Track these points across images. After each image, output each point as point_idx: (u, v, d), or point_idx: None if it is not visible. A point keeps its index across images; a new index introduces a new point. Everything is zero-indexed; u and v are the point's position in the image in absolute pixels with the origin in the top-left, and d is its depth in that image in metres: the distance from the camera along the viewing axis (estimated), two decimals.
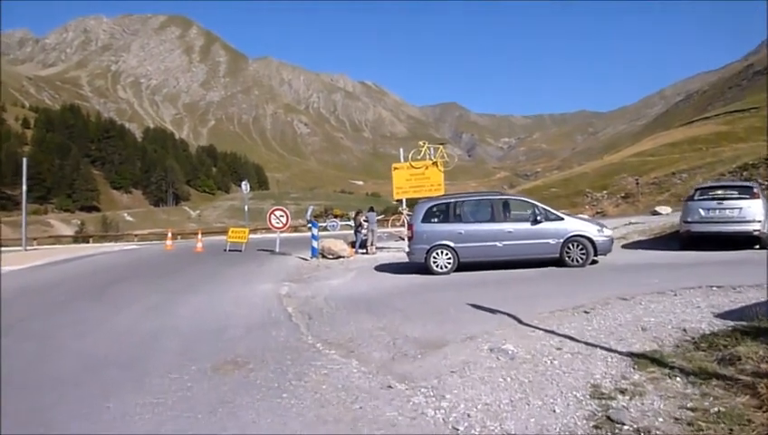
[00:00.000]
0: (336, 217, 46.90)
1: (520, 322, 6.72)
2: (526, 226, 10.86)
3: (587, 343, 5.75)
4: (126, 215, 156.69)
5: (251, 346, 6.19)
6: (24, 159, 20.58)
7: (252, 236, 22.45)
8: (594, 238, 10.81)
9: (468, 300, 8.10)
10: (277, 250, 19.24)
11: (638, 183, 42.82)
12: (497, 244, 10.78)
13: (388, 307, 8.18)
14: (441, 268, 10.97)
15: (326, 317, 7.77)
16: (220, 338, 6.58)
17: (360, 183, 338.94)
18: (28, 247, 24.54)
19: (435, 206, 11.48)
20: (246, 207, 30.12)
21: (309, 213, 31.13)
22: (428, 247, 10.96)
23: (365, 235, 18.97)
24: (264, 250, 20.71)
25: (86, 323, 7.39)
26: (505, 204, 11.26)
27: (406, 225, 18.67)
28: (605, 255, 11.17)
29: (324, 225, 39.46)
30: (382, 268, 13.33)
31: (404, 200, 18.81)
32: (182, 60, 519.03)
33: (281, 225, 19.20)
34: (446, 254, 10.93)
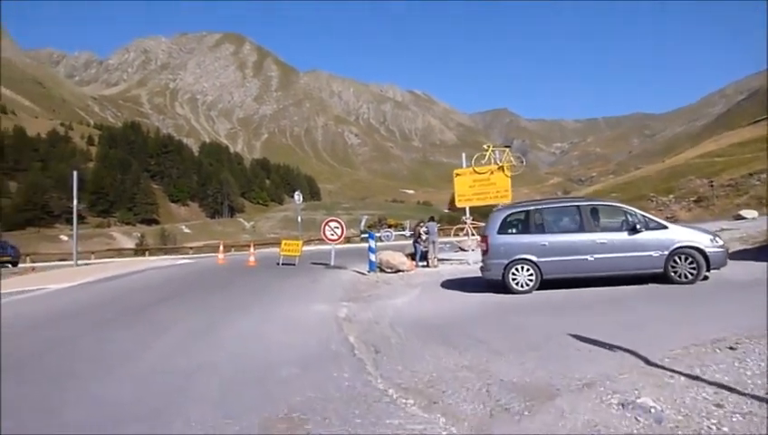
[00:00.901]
0: (390, 227, 45.77)
1: (647, 362, 5.23)
2: (622, 236, 9.25)
3: (756, 397, 4.23)
4: (183, 227, 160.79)
5: (308, 393, 4.94)
6: (75, 173, 20.29)
7: (304, 247, 21.64)
8: (706, 250, 9.08)
9: (566, 328, 6.64)
10: (332, 263, 18.16)
11: (712, 185, 39.80)
12: (588, 258, 9.22)
13: (467, 336, 6.81)
14: (521, 286, 9.49)
15: (395, 350, 6.46)
16: (269, 380, 5.36)
17: (411, 192, 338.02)
18: (81, 262, 24.44)
19: (512, 214, 10.01)
20: (300, 218, 29.41)
21: (362, 223, 30.16)
22: (506, 262, 9.50)
23: (425, 246, 17.65)
24: (317, 264, 19.67)
25: (111, 358, 6.31)
26: (594, 211, 9.68)
27: (469, 234, 17.25)
28: (718, 269, 9.41)
29: (378, 235, 38.44)
30: (449, 285, 11.95)
31: (467, 209, 17.40)
32: (236, 75, 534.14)
33: (335, 237, 18.11)
34: (528, 269, 9.45)
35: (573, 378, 4.95)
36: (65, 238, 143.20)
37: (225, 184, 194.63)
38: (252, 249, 20.93)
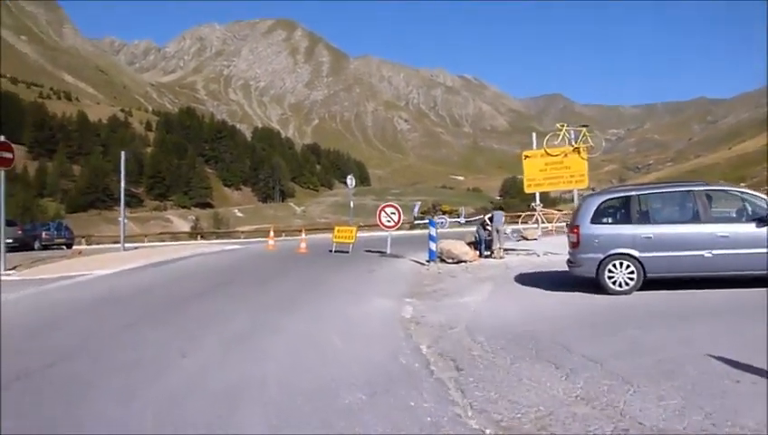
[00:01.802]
0: (444, 213, 44.22)
1: None
2: (748, 228, 7.63)
3: None
4: (236, 211, 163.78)
5: (378, 428, 3.75)
6: (122, 154, 19.76)
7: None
8: None
9: (701, 346, 5.22)
10: (388, 252, 16.99)
11: None
12: (704, 253, 7.65)
13: (570, 351, 5.46)
14: (619, 286, 8.00)
15: (481, 367, 5.18)
16: (327, 410, 4.19)
17: (461, 178, 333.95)
18: (130, 245, 24.16)
19: (609, 200, 8.47)
20: (352, 204, 28.44)
21: (416, 210, 28.90)
22: (602, 257, 8.02)
23: (488, 236, 16.24)
24: (371, 251, 18.54)
25: (138, 371, 5.24)
26: (709, 197, 8.06)
27: (539, 222, 15.73)
28: None
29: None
30: (525, 280, 10.53)
31: (537, 194, 15.88)
32: (288, 61, 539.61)
33: (392, 223, 16.91)
34: (628, 266, 7.95)
35: (737, 424, 3.57)
36: (126, 221, 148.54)
37: (276, 169, 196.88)
38: (303, 235, 20.00)
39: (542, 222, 15.74)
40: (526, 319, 7.08)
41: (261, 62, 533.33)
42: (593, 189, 9.47)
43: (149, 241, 37.96)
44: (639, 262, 7.88)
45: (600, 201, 8.37)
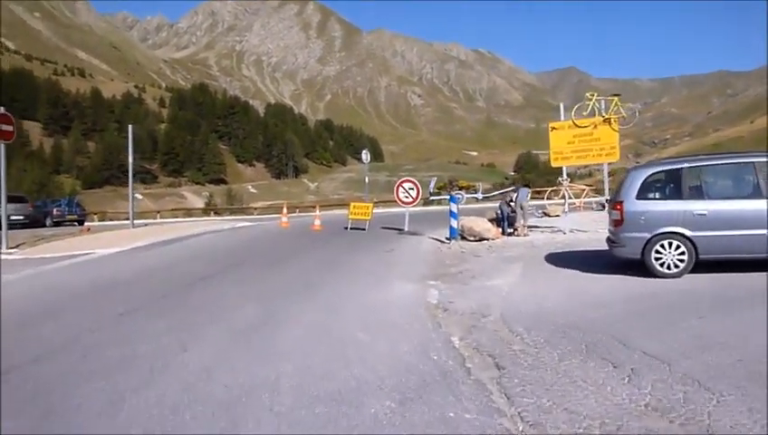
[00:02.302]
0: (461, 189, 43.28)
1: None
2: None
3: None
4: (250, 187, 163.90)
5: None
6: (130, 128, 19.08)
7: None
8: None
9: None
10: (406, 229, 16.29)
11: None
12: (766, 233, 6.84)
13: (627, 346, 4.73)
14: (668, 268, 7.23)
15: (525, 365, 4.47)
16: (350, 421, 3.52)
17: (474, 154, 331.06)
18: (140, 222, 23.62)
19: (657, 174, 7.63)
20: (367, 179, 27.67)
21: (432, 185, 28.10)
22: (649, 237, 7.23)
23: (511, 212, 15.47)
24: (388, 228, 17.86)
25: (130, 371, 4.60)
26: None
27: (566, 197, 14.89)
28: None
29: (447, 198, 36.14)
30: (556, 260, 9.78)
31: (564, 169, 15.00)
32: (300, 37, 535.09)
33: (410, 199, 16.16)
34: (678, 247, 7.16)
35: None
36: (140, 197, 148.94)
37: (289, 145, 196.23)
38: (317, 212, 19.30)
39: (569, 198, 14.87)
40: (567, 306, 6.35)
41: (273, 37, 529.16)
42: (637, 162, 8.53)
43: (162, 218, 37.57)
44: (692, 242, 7.08)
45: (647, 174, 7.53)
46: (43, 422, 3.58)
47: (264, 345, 5.07)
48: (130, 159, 18.76)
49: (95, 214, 38.63)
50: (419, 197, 16.33)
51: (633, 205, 7.35)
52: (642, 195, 7.37)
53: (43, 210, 26.58)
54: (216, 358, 4.73)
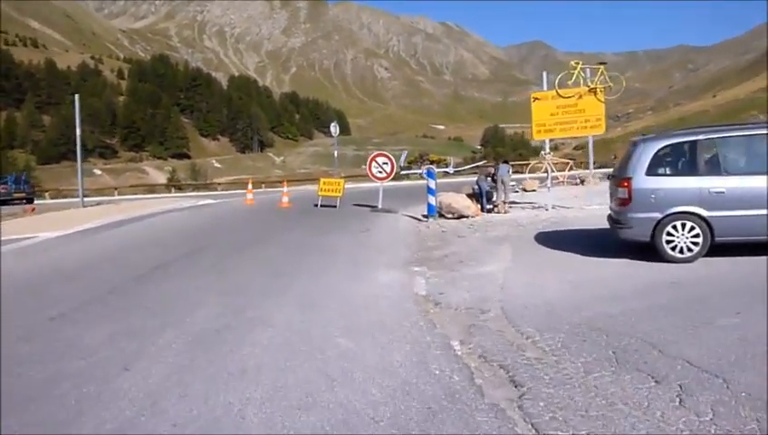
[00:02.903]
0: (432, 163, 42.33)
1: None
2: None
3: None
4: (214, 162, 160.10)
5: None
6: (76, 97, 17.43)
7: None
8: None
9: None
10: (380, 206, 15.41)
11: None
12: None
13: (663, 353, 3.96)
14: (680, 252, 6.53)
15: (547, 380, 3.67)
16: None
17: (442, 128, 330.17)
18: (93, 199, 22.04)
19: (669, 146, 6.88)
20: (336, 153, 26.54)
21: (403, 159, 27.10)
22: (660, 217, 6.50)
23: (489, 188, 14.75)
24: (360, 205, 16.95)
25: (50, 406, 3.64)
26: None
27: (548, 171, 14.19)
28: None
29: (420, 172, 35.23)
30: (547, 241, 9.05)
31: (547, 142, 14.29)
32: (264, 7, 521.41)
33: (384, 175, 15.27)
34: (692, 228, 6.46)
35: None
36: (99, 172, 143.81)
37: (254, 118, 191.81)
38: (285, 188, 18.11)
39: (552, 171, 14.19)
40: (576, 299, 5.58)
41: (235, 7, 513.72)
42: (642, 134, 7.70)
43: (120, 194, 35.69)
44: (707, 223, 6.37)
45: (659, 147, 6.73)
46: None
47: (227, 360, 4.13)
48: (78, 132, 17.21)
49: (47, 191, 36.38)
50: (393, 172, 15.43)
51: (643, 181, 6.59)
52: (652, 170, 6.61)
53: None
54: (165, 380, 3.78)
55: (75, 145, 21.15)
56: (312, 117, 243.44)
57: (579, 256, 7.57)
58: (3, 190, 25.34)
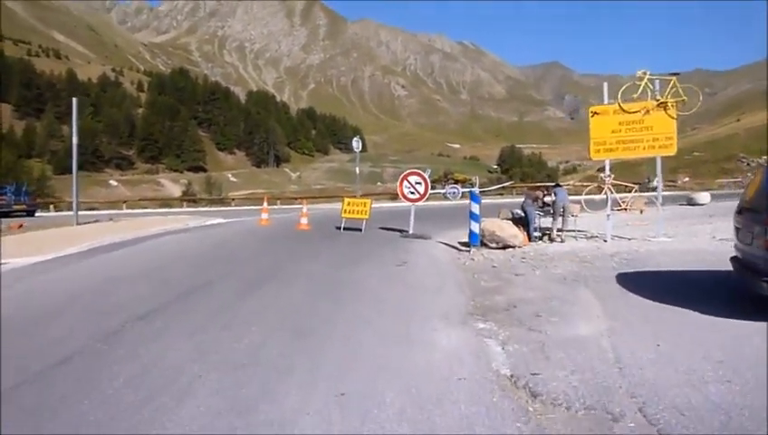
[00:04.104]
0: (456, 182, 40.60)
1: None
2: None
3: None
4: (230, 175, 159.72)
5: None
6: (74, 100, 15.85)
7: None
8: None
9: None
10: (410, 231, 13.63)
11: None
12: None
13: None
14: None
15: None
16: None
17: (457, 146, 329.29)
18: (89, 218, 20.35)
19: None
20: (358, 169, 24.88)
21: (427, 177, 25.43)
22: None
23: (542, 214, 12.98)
24: (387, 229, 15.19)
25: None
26: None
27: (608, 196, 12.33)
28: None
29: (444, 192, 33.57)
30: (635, 285, 7.15)
31: (607, 163, 12.44)
32: (284, 24, 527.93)
33: (416, 196, 13.51)
34: None
35: None
36: (114, 183, 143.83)
37: (271, 133, 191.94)
38: (304, 208, 16.25)
39: (612, 194, 12.31)
40: (747, 393, 3.72)
41: (256, 23, 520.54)
42: None
43: (128, 208, 34.18)
44: None
45: None
46: None
47: None
48: (74, 140, 15.68)
49: (52, 203, 34.75)
50: (428, 193, 13.63)
51: None
52: None
53: None
54: None
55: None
56: (329, 133, 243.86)
57: (699, 314, 5.69)
58: (2, 202, 23.74)
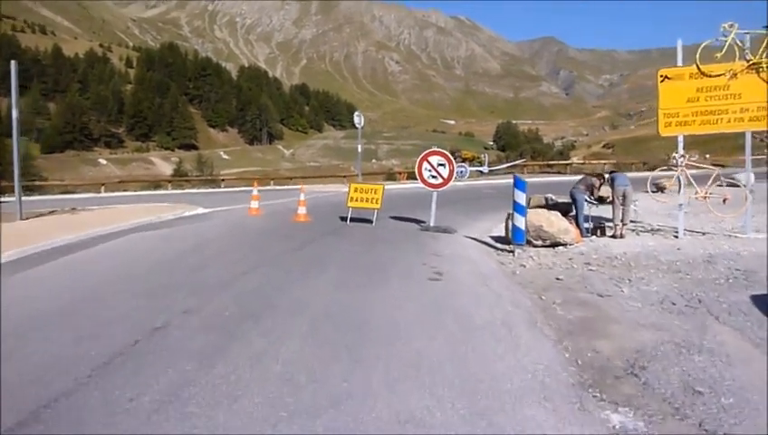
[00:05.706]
0: (464, 160, 37.98)
1: None
2: None
3: None
4: (222, 153, 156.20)
5: None
6: (13, 63, 13.22)
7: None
8: None
9: None
10: (431, 223, 11.29)
11: None
12: None
13: None
14: None
15: None
16: None
17: (452, 122, 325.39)
18: (55, 204, 17.57)
19: None
20: (360, 148, 22.38)
21: None
22: None
23: (592, 204, 10.70)
24: (400, 219, 12.86)
25: None
26: None
27: (681, 182, 10.00)
28: None
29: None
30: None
31: (680, 138, 10.04)
32: None
33: (440, 181, 11.14)
34: None
35: None
36: (104, 162, 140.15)
37: (264, 109, 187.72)
38: (302, 195, 13.63)
39: (688, 182, 9.97)
40: None
41: None
42: None
43: (106, 191, 31.42)
44: None
45: None
46: None
47: None
48: (14, 113, 13.06)
49: (27, 187, 30.89)
50: (453, 177, 11.24)
51: None
52: None
53: None
54: None
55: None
56: (323, 109, 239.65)
57: None
58: None
